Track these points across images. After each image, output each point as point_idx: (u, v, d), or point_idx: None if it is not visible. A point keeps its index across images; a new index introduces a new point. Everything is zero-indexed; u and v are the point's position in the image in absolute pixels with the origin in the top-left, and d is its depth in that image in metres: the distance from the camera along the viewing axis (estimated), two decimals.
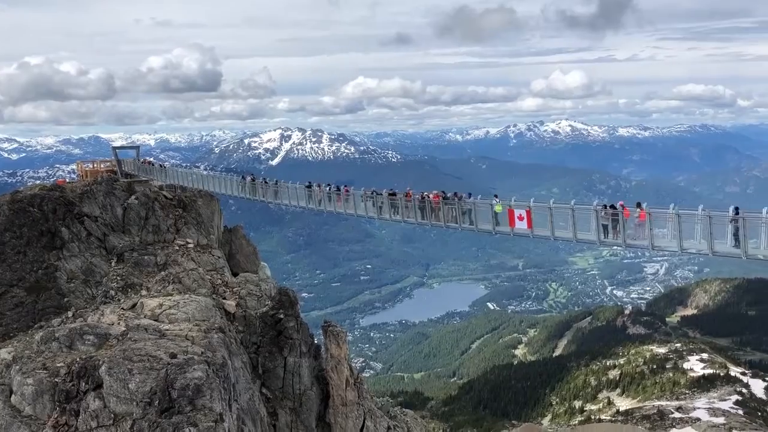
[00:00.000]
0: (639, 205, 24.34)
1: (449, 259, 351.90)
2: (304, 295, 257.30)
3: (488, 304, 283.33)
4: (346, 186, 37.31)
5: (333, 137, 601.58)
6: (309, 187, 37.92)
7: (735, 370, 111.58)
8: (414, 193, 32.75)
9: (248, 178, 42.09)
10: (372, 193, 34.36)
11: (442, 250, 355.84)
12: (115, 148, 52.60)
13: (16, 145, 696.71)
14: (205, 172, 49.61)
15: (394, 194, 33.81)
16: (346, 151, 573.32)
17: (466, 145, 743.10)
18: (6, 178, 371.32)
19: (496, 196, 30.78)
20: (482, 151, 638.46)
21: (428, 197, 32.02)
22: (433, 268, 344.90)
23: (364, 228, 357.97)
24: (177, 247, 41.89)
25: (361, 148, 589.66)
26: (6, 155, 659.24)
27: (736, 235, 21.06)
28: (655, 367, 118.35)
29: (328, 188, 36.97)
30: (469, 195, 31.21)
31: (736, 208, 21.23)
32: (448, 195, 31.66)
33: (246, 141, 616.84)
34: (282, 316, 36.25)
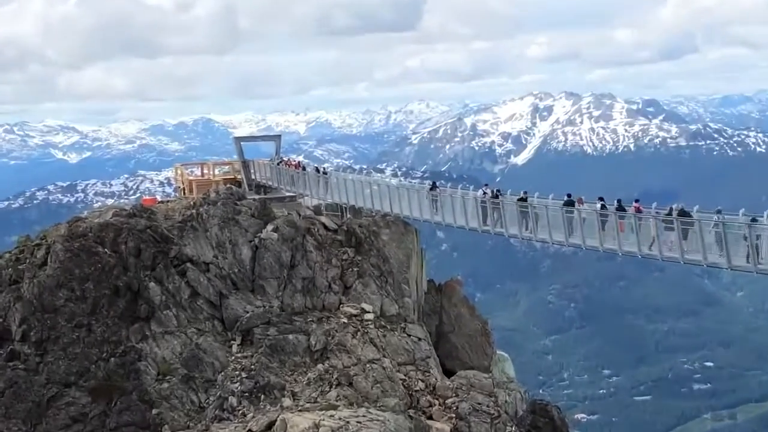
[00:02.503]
0: None
1: None
2: (581, 416, 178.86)
3: None
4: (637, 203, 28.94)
5: (635, 108, 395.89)
6: (569, 203, 31.08)
7: None
8: None
9: (480, 192, 35.23)
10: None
11: None
12: (238, 139, 47.41)
13: (75, 138, 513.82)
14: (395, 182, 43.36)
15: None
16: (667, 135, 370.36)
17: None
18: (58, 195, 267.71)
19: None
20: None
21: None
22: None
23: (700, 287, 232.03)
24: (345, 320, 35.38)
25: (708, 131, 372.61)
26: (60, 155, 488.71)
27: None
28: None
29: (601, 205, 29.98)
30: None
31: None
32: None
33: (466, 120, 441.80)
34: None
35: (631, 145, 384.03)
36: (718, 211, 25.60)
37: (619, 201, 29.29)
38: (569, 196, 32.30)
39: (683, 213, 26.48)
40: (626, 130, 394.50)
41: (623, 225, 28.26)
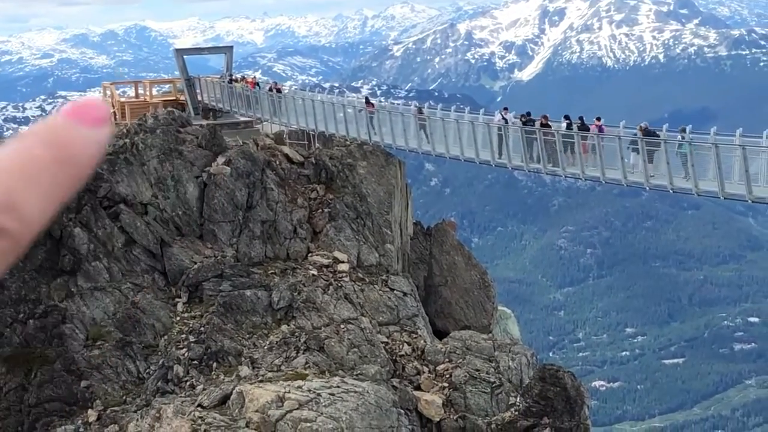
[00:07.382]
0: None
1: None
2: (600, 384, 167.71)
3: None
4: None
5: (665, 10, 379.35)
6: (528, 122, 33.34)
7: None
8: None
9: (498, 117, 34.33)
10: None
11: None
12: (180, 52, 47.32)
13: None
14: (375, 102, 41.61)
15: None
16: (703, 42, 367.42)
17: None
18: None
19: None
20: None
21: None
22: None
23: (743, 228, 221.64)
24: (314, 272, 36.12)
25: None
26: None
27: None
28: None
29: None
30: None
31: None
32: None
33: (460, 27, 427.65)
34: (548, 426, 32.46)
35: (660, 56, 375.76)
36: (683, 130, 26.70)
37: (581, 119, 30.37)
38: (528, 114, 32.46)
39: (649, 133, 27.66)
40: (654, 38, 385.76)
41: (586, 146, 29.71)
